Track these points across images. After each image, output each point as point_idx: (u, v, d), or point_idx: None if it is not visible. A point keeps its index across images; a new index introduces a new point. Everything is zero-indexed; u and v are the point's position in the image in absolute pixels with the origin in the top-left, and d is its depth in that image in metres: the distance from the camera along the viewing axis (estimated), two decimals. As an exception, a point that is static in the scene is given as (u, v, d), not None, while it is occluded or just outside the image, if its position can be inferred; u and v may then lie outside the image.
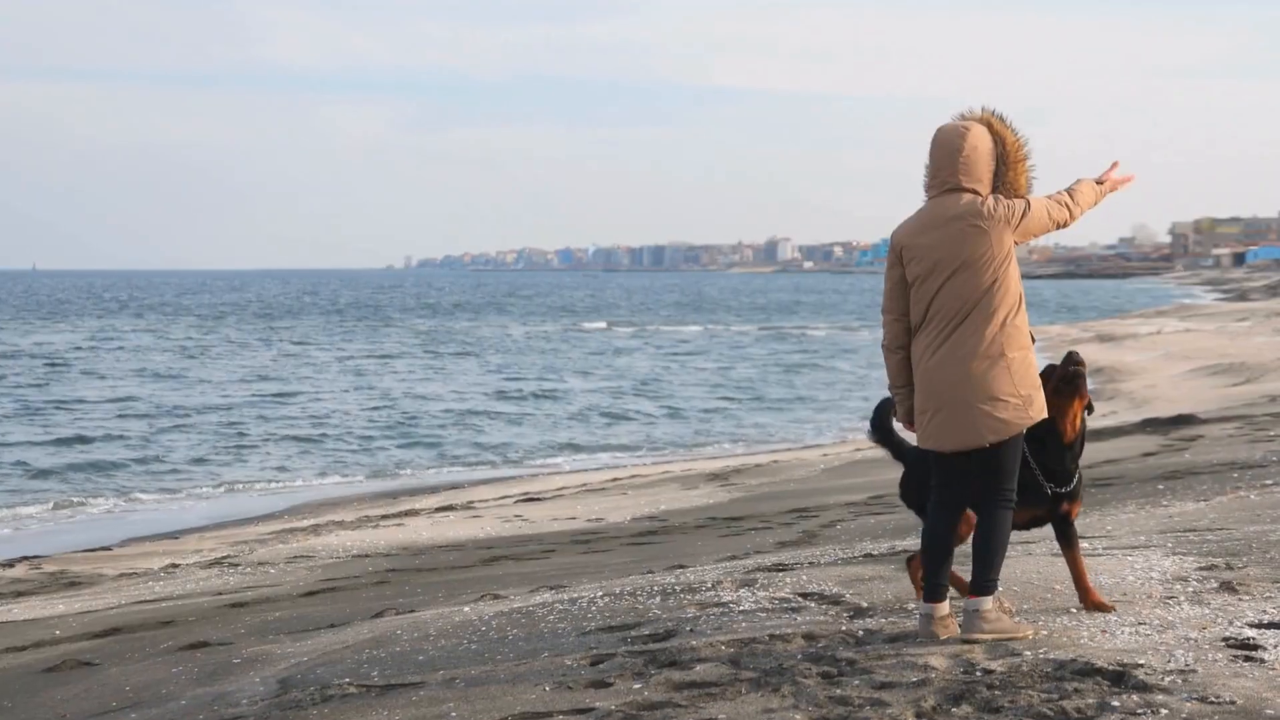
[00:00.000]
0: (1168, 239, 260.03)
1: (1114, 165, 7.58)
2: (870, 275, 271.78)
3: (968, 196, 7.19)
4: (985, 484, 7.20)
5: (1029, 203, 7.22)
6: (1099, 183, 7.49)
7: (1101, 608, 7.49)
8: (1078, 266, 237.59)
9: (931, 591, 7.25)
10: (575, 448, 31.98)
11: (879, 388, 45.35)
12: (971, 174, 7.21)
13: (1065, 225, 7.33)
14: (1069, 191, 7.38)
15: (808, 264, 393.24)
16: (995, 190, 7.24)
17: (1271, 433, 19.19)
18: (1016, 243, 7.19)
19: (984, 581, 7.16)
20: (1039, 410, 7.18)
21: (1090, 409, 7.62)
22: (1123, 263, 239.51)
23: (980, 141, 7.23)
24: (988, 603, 7.14)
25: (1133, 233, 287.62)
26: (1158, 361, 42.32)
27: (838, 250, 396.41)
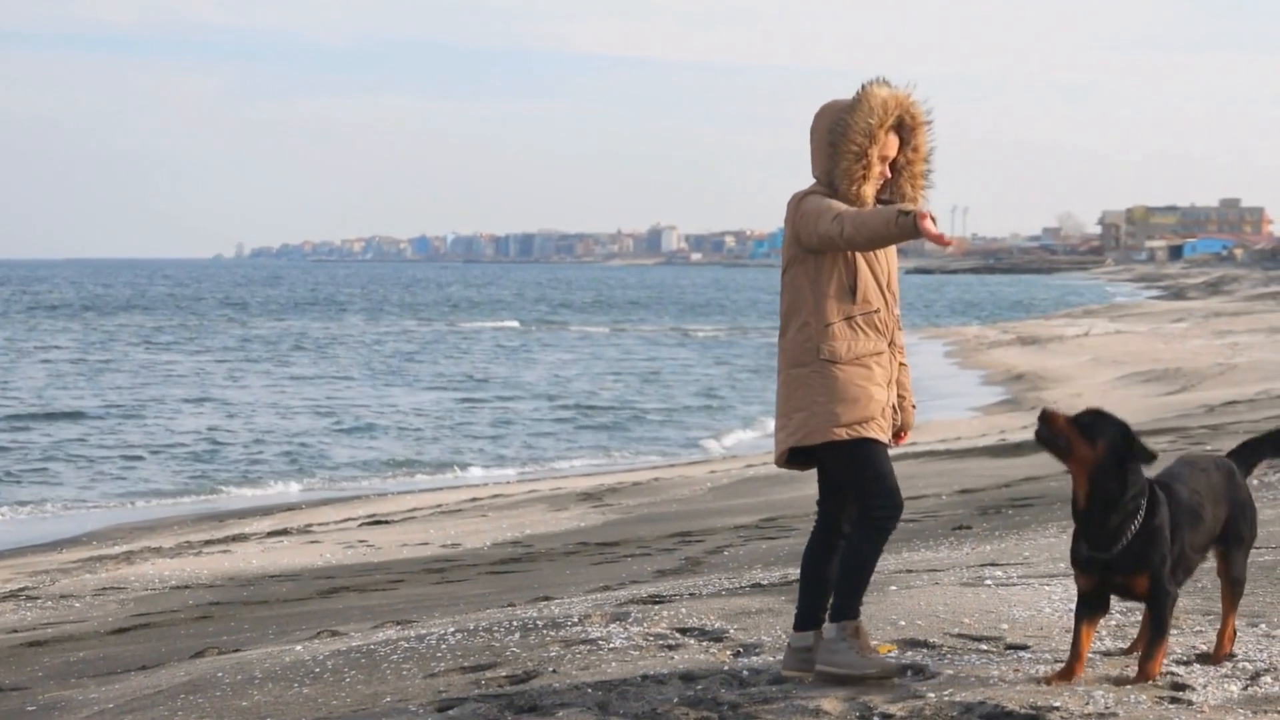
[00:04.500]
0: (1097, 230, 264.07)
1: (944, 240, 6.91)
2: (766, 268, 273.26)
3: (808, 189, 7.32)
4: (853, 503, 7.30)
5: (808, 199, 7.19)
6: (903, 213, 6.89)
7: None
8: (997, 260, 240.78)
9: (798, 617, 7.36)
10: (429, 464, 31.87)
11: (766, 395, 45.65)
12: (813, 162, 7.33)
13: (834, 245, 7.07)
14: (868, 209, 7.07)
15: (695, 255, 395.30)
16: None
17: (1208, 447, 19.52)
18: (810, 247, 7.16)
19: (839, 605, 7.22)
20: (808, 434, 7.18)
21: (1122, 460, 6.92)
22: (1047, 256, 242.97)
23: (818, 123, 7.29)
24: (832, 630, 7.20)
25: (1058, 222, 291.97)
26: (1085, 367, 42.96)
27: (729, 240, 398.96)
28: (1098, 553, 6.92)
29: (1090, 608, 7.01)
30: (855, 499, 7.23)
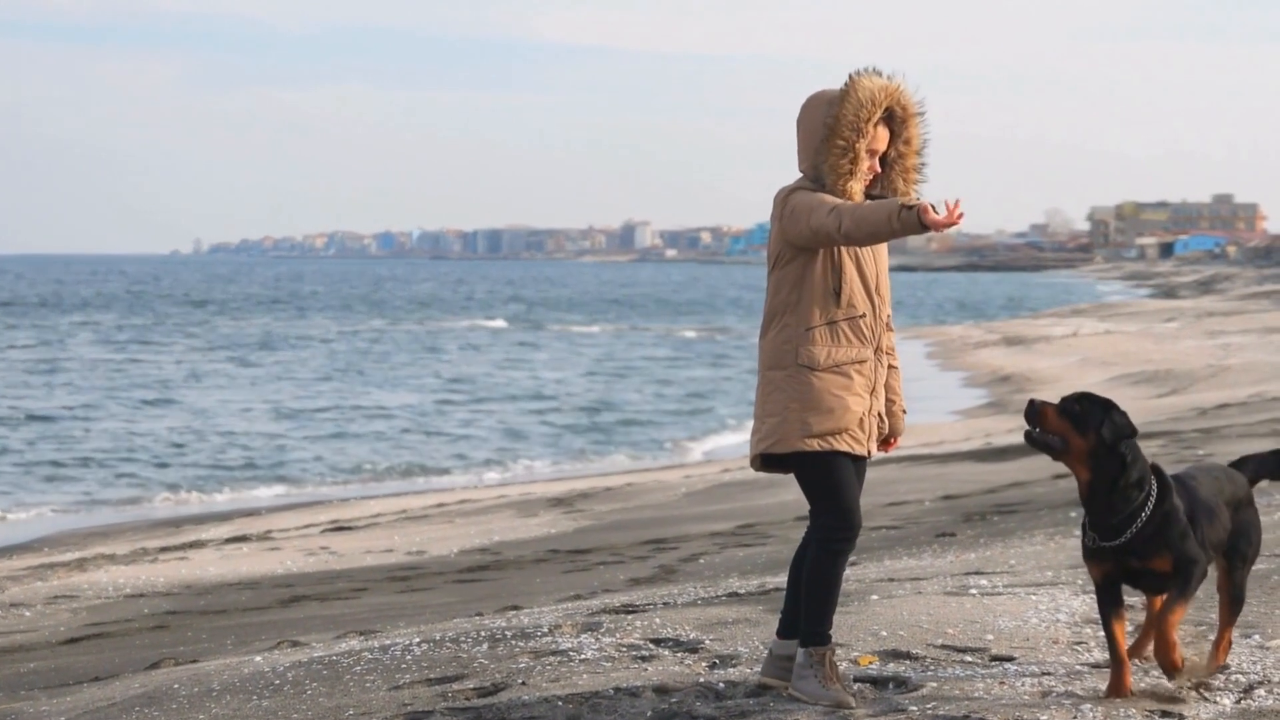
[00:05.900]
0: (1086, 226, 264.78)
1: (956, 210, 6.81)
2: (744, 266, 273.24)
3: (794, 184, 7.26)
4: (810, 519, 7.29)
5: (795, 194, 7.11)
6: (906, 208, 6.77)
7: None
8: (982, 257, 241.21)
9: (782, 624, 7.36)
10: (396, 468, 31.81)
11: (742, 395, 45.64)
12: (799, 156, 7.25)
13: (830, 240, 6.96)
14: (867, 204, 6.94)
15: (670, 252, 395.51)
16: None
17: (1200, 451, 19.56)
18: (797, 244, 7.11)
19: (806, 631, 7.17)
20: (778, 441, 7.13)
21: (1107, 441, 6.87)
22: (1035, 253, 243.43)
23: (805, 114, 7.19)
24: (801, 656, 7.17)
25: (1046, 219, 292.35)
26: (1073, 368, 43.01)
27: (705, 236, 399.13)
28: (1106, 543, 6.92)
29: (1111, 601, 6.98)
30: (811, 514, 7.22)
